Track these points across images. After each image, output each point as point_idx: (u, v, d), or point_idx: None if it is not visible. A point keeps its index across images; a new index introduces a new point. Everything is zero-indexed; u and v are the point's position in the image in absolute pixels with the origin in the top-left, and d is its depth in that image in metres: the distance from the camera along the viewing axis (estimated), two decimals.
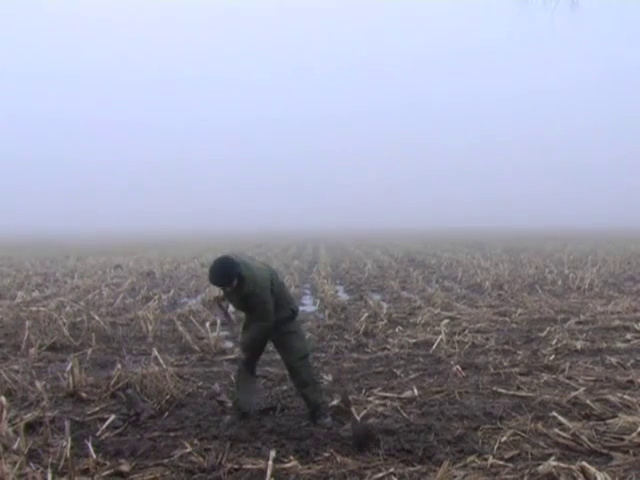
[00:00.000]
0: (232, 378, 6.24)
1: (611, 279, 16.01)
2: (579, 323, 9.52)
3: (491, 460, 4.13)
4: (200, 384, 6.30)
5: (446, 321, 9.58)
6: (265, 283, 4.83)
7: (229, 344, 7.96)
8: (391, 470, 4.03)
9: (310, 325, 9.69)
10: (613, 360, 6.90)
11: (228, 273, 4.71)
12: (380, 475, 3.99)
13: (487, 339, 8.30)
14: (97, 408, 5.50)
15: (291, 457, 4.24)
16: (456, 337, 8.28)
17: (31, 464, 3.98)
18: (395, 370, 6.77)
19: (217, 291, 5.12)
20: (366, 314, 9.75)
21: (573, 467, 3.82)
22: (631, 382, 6.04)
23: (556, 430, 4.62)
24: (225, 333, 8.29)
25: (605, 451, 4.32)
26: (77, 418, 5.20)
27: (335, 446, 4.43)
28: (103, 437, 4.74)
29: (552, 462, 3.94)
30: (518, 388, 5.94)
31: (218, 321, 8.57)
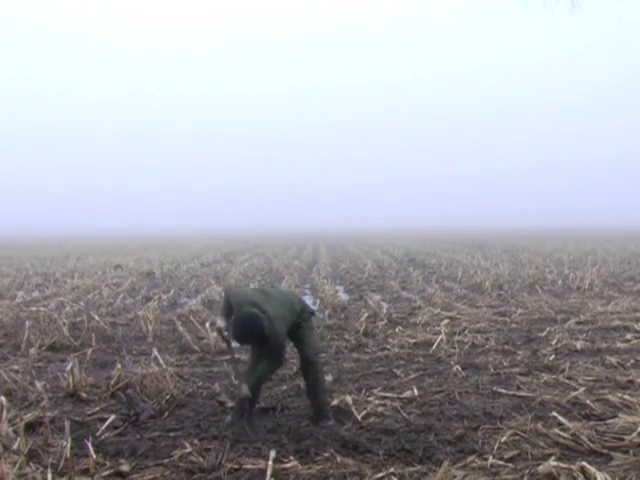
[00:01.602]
0: (232, 378, 6.24)
1: (611, 279, 16.00)
2: (579, 323, 9.52)
3: (491, 460, 4.13)
4: (200, 384, 6.30)
5: (446, 321, 9.58)
6: (283, 327, 4.79)
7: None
8: (391, 470, 4.03)
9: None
10: (613, 360, 6.89)
11: (256, 332, 4.62)
12: (380, 475, 3.98)
13: (487, 339, 8.30)
14: (97, 408, 5.49)
15: (291, 457, 4.24)
16: (456, 337, 8.28)
17: (31, 464, 3.98)
18: (395, 370, 6.76)
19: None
20: (366, 314, 9.75)
21: (573, 467, 3.82)
22: (631, 382, 6.04)
23: (556, 430, 4.62)
24: (225, 333, 8.27)
25: (605, 451, 4.32)
26: (77, 418, 5.19)
27: (335, 446, 4.43)
28: (103, 437, 4.74)
29: (552, 462, 3.94)
30: (518, 388, 5.94)
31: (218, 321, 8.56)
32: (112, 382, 5.99)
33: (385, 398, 5.67)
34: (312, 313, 5.28)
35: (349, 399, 5.40)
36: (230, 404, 5.46)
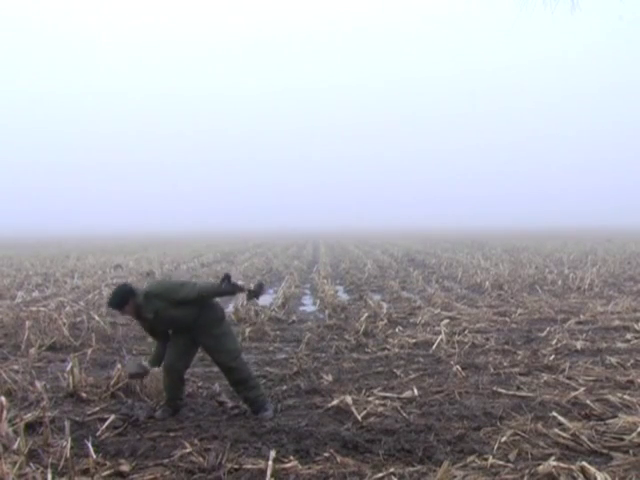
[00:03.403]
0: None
1: (611, 279, 16.00)
2: (579, 323, 9.52)
3: (491, 460, 4.13)
4: (200, 384, 6.30)
5: (446, 321, 9.58)
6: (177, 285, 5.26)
7: None
8: (391, 470, 4.03)
9: (310, 325, 9.69)
10: (613, 360, 6.90)
11: (122, 296, 5.05)
12: (380, 475, 3.98)
13: (487, 339, 8.30)
14: (97, 408, 5.49)
15: (291, 457, 4.24)
16: (456, 337, 8.28)
17: (31, 464, 3.97)
18: (395, 370, 6.76)
19: None
20: (366, 314, 9.75)
21: (573, 467, 3.82)
22: (631, 382, 6.04)
23: (556, 430, 4.62)
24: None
25: (605, 451, 4.32)
26: (77, 418, 5.19)
27: (335, 446, 4.43)
28: (103, 437, 4.74)
29: (552, 462, 3.94)
30: (518, 388, 5.94)
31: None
32: (112, 382, 5.98)
33: (385, 398, 5.66)
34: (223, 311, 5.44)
35: (349, 399, 5.40)
36: (230, 404, 5.47)
